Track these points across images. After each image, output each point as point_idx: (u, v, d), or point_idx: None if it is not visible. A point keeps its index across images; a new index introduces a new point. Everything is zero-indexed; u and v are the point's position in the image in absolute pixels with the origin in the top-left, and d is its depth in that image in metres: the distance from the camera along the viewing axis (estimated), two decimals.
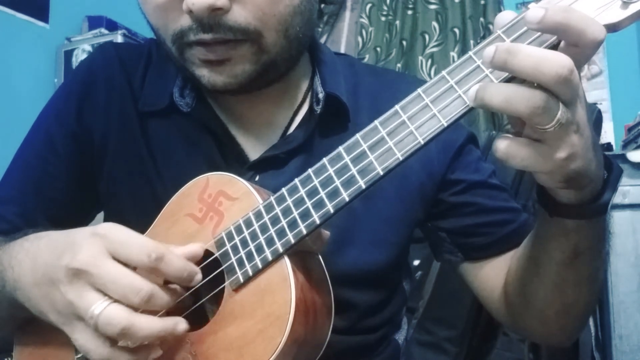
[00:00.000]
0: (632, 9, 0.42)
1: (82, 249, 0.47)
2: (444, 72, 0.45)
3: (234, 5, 0.54)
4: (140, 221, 0.57)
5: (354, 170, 0.48)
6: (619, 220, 1.40)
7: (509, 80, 0.42)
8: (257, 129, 0.68)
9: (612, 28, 0.43)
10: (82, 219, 0.74)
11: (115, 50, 0.73)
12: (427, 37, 2.45)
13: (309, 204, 0.49)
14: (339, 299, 0.56)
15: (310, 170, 0.50)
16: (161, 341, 0.50)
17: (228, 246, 0.53)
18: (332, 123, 0.66)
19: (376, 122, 0.47)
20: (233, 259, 0.52)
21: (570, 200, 0.49)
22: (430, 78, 0.46)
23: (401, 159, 0.46)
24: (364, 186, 0.47)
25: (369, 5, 2.57)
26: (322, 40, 2.57)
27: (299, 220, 0.50)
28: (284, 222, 0.50)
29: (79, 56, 2.18)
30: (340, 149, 0.49)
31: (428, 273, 1.23)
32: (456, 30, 2.39)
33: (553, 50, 0.41)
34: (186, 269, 0.50)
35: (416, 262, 1.27)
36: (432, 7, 2.47)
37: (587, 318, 0.74)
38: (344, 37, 2.63)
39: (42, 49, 2.17)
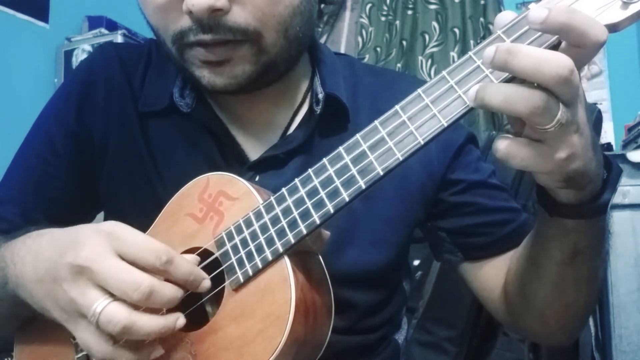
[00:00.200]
0: (632, 9, 0.42)
1: (86, 246, 0.47)
2: (444, 72, 0.45)
3: (233, 6, 0.54)
4: (140, 221, 0.57)
5: (354, 171, 0.48)
6: (619, 220, 1.40)
7: (509, 80, 0.42)
8: (257, 129, 0.68)
9: (612, 28, 0.43)
10: (82, 219, 0.73)
11: (115, 50, 0.73)
12: (427, 37, 2.45)
13: (309, 204, 0.49)
14: (338, 299, 0.56)
15: (310, 171, 0.50)
16: (161, 340, 0.50)
17: (228, 246, 0.53)
18: (332, 123, 0.66)
19: (376, 122, 0.47)
20: (233, 259, 0.52)
21: (570, 200, 0.49)
22: (430, 78, 0.46)
23: (401, 159, 0.46)
24: (364, 186, 0.47)
25: (369, 5, 2.57)
26: (322, 40, 2.57)
27: (299, 220, 0.50)
28: (284, 222, 0.50)
29: (79, 56, 2.18)
30: (341, 149, 0.49)
31: (428, 273, 1.23)
32: (456, 30, 2.39)
33: (553, 51, 0.41)
34: (193, 273, 0.50)
35: (416, 262, 1.27)
36: (432, 7, 2.47)
37: (587, 318, 0.74)
38: (344, 37, 2.63)
39: (42, 49, 2.17)
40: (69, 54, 2.20)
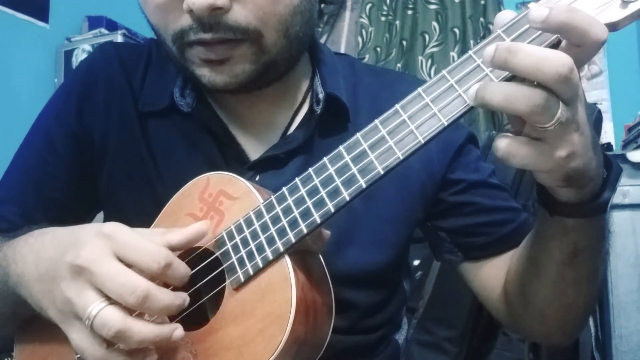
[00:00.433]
0: (631, 8, 0.42)
1: (86, 247, 0.47)
2: (444, 72, 0.45)
3: (234, 4, 0.54)
4: (140, 221, 0.57)
5: (354, 170, 0.48)
6: (619, 220, 1.40)
7: (509, 79, 0.42)
8: (257, 129, 0.68)
9: (611, 27, 0.43)
10: (82, 219, 0.74)
11: (115, 50, 0.73)
12: (427, 37, 2.45)
13: (309, 203, 0.49)
14: (339, 298, 0.56)
15: (310, 170, 0.50)
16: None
17: (229, 245, 0.53)
18: (332, 123, 0.66)
19: (376, 121, 0.47)
20: (234, 258, 0.52)
21: (570, 199, 0.49)
22: (430, 78, 0.46)
23: (401, 158, 0.46)
24: (364, 185, 0.47)
25: (369, 5, 2.57)
26: (322, 40, 2.57)
27: (299, 220, 0.50)
28: (284, 222, 0.50)
29: (79, 56, 2.18)
30: (341, 148, 0.49)
31: (428, 273, 1.23)
32: (456, 30, 2.40)
33: (553, 50, 0.41)
34: (188, 275, 0.50)
35: (416, 262, 1.27)
36: (432, 7, 2.47)
37: (587, 317, 0.74)
38: (344, 37, 2.63)
39: (42, 49, 2.17)
40: (69, 54, 2.20)
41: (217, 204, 0.56)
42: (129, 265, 0.47)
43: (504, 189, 0.74)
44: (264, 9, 0.55)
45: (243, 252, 0.52)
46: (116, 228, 0.49)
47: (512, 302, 0.67)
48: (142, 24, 0.62)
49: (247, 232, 0.52)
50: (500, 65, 0.41)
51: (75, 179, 0.71)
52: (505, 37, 0.43)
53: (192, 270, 0.51)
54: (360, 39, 2.56)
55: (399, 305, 0.78)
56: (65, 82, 0.75)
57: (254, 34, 0.56)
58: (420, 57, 2.43)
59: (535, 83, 0.40)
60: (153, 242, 0.48)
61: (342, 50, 2.55)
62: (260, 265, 0.51)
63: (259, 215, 0.52)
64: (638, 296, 1.38)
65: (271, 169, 0.65)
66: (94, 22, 2.29)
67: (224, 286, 0.53)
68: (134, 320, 0.46)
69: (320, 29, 2.56)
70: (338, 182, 0.48)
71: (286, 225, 0.50)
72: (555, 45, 0.43)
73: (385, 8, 2.55)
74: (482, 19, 2.38)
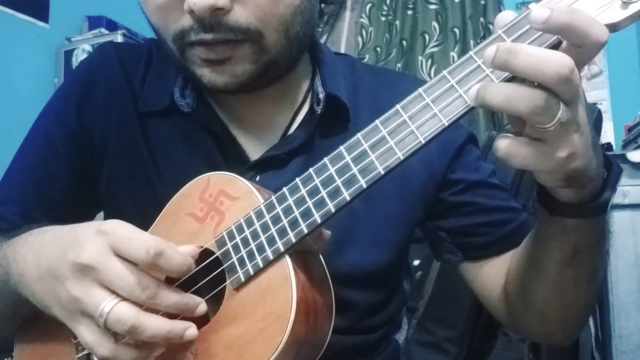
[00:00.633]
0: (632, 9, 0.42)
1: (87, 245, 0.47)
2: (444, 72, 0.45)
3: (235, 5, 0.54)
4: (140, 221, 0.57)
5: (355, 170, 0.48)
6: (619, 220, 1.40)
7: (510, 80, 0.42)
8: (258, 129, 0.68)
9: (612, 28, 0.43)
10: (82, 219, 0.72)
11: (115, 50, 0.73)
12: (427, 37, 2.45)
13: (310, 203, 0.49)
14: (339, 298, 0.56)
15: (311, 170, 0.50)
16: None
17: (229, 245, 0.53)
18: (333, 123, 0.66)
19: (377, 121, 0.48)
20: (234, 258, 0.52)
21: (570, 199, 0.49)
22: (430, 78, 0.46)
23: (402, 158, 0.46)
24: (365, 185, 0.47)
25: (369, 5, 2.57)
26: (322, 40, 2.57)
27: (300, 220, 0.50)
28: (285, 222, 0.50)
29: (79, 56, 2.18)
30: (341, 148, 0.49)
31: (428, 273, 1.23)
32: (456, 30, 2.40)
33: (554, 50, 0.41)
34: (185, 264, 0.49)
35: (416, 262, 1.27)
36: (432, 7, 2.47)
37: (587, 317, 0.74)
38: (344, 37, 2.63)
39: (42, 49, 2.17)
40: (69, 54, 2.20)
41: (217, 204, 0.56)
42: (125, 259, 0.47)
43: (504, 189, 0.74)
44: (264, 9, 0.55)
45: (243, 252, 0.52)
46: (115, 225, 0.49)
47: (512, 302, 0.67)
48: (142, 24, 0.62)
49: (247, 232, 0.52)
50: (501, 66, 0.41)
51: (75, 179, 0.71)
52: (506, 37, 0.43)
53: (192, 270, 0.52)
54: (360, 39, 2.56)
55: (399, 305, 0.78)
56: (65, 82, 0.75)
57: (255, 34, 0.56)
58: (420, 57, 2.43)
59: (535, 84, 0.40)
60: (146, 234, 0.48)
61: (342, 50, 2.55)
62: (261, 265, 0.51)
63: (259, 215, 0.52)
64: (638, 296, 1.38)
65: (271, 169, 0.65)
66: (94, 22, 2.29)
67: (225, 286, 0.53)
68: (147, 314, 0.47)
69: (320, 29, 2.56)
70: (338, 182, 0.48)
71: (287, 225, 0.50)
72: (555, 46, 0.43)
73: (385, 8, 2.55)
74: (482, 19, 2.38)
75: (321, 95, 0.65)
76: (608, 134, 2.16)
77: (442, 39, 2.42)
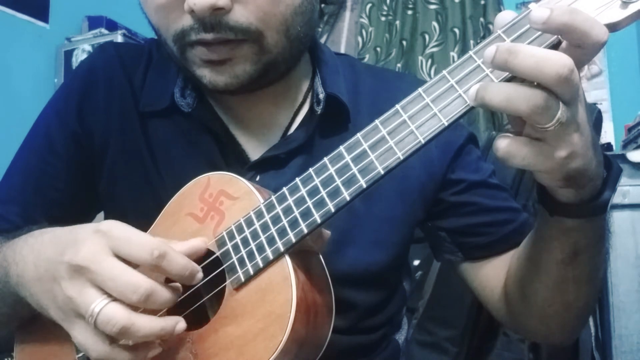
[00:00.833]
0: (631, 8, 0.42)
1: (84, 246, 0.47)
2: (444, 72, 0.45)
3: (235, 5, 0.54)
4: (140, 221, 0.57)
5: (354, 170, 0.48)
6: (619, 220, 1.40)
7: (509, 79, 0.42)
8: (258, 129, 0.68)
9: (611, 28, 0.43)
10: (82, 219, 0.73)
11: (116, 50, 0.73)
12: (427, 37, 2.45)
13: (309, 203, 0.50)
14: (339, 298, 0.56)
15: (311, 170, 0.50)
16: (162, 340, 0.50)
17: (229, 245, 0.53)
18: (333, 123, 0.66)
19: (377, 121, 0.48)
20: (234, 258, 0.52)
21: (570, 199, 0.49)
22: (430, 78, 0.46)
23: (402, 158, 0.46)
24: (364, 185, 0.47)
25: (369, 5, 2.57)
26: (322, 40, 2.57)
27: (300, 220, 0.50)
28: (285, 222, 0.50)
29: (79, 56, 2.18)
30: (341, 148, 0.49)
31: (428, 273, 1.23)
32: (456, 30, 2.39)
33: (554, 50, 0.41)
34: (188, 267, 0.49)
35: (416, 262, 1.27)
36: (432, 7, 2.47)
37: (587, 317, 0.74)
38: (344, 37, 2.63)
39: (42, 49, 2.17)
40: (69, 54, 2.20)
41: (217, 204, 0.56)
42: (125, 260, 0.47)
43: (504, 189, 0.74)
44: (265, 9, 0.55)
45: (243, 252, 0.52)
46: (113, 225, 0.49)
47: (512, 302, 0.67)
48: (142, 24, 0.62)
49: (247, 232, 0.52)
50: (501, 66, 0.41)
51: (76, 179, 0.71)
52: (506, 37, 0.43)
53: (197, 275, 0.51)
54: (360, 39, 2.56)
55: (399, 305, 0.78)
56: (65, 82, 0.75)
57: (255, 34, 0.56)
58: (420, 57, 2.43)
59: (535, 84, 0.40)
60: (147, 236, 0.48)
61: (342, 50, 2.55)
62: (261, 265, 0.51)
63: (259, 215, 0.52)
64: (638, 296, 1.38)
65: (271, 169, 0.65)
66: (94, 22, 2.28)
67: (225, 286, 0.53)
68: (137, 315, 0.46)
69: (320, 29, 2.56)
70: (338, 182, 0.48)
71: (286, 225, 0.50)
72: (555, 46, 0.43)
73: (385, 8, 2.55)
74: (482, 19, 2.38)
75: (321, 95, 0.65)
76: (608, 134, 2.16)
77: (442, 39, 2.42)
